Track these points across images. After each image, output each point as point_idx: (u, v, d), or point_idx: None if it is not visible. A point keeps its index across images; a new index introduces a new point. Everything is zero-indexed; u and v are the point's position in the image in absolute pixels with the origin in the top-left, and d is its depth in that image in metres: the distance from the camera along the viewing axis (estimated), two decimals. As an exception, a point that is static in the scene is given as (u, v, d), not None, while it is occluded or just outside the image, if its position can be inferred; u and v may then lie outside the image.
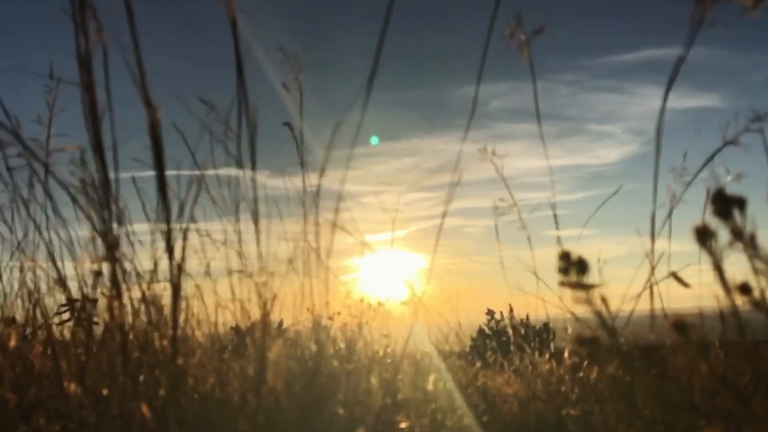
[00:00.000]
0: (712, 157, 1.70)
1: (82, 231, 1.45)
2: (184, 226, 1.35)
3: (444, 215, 1.80)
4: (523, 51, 1.59)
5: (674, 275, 1.08)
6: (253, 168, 1.42)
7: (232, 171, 1.53)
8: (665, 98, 1.53)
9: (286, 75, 1.67)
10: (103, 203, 1.24)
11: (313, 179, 1.75)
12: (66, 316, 1.69)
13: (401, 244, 2.25)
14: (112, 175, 1.26)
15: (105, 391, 1.29)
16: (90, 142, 1.21)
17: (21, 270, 1.85)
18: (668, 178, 1.77)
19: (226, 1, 1.29)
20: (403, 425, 1.65)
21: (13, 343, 1.58)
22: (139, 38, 1.18)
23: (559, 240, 2.11)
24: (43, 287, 1.75)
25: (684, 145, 1.83)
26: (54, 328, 1.67)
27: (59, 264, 1.64)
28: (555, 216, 2.09)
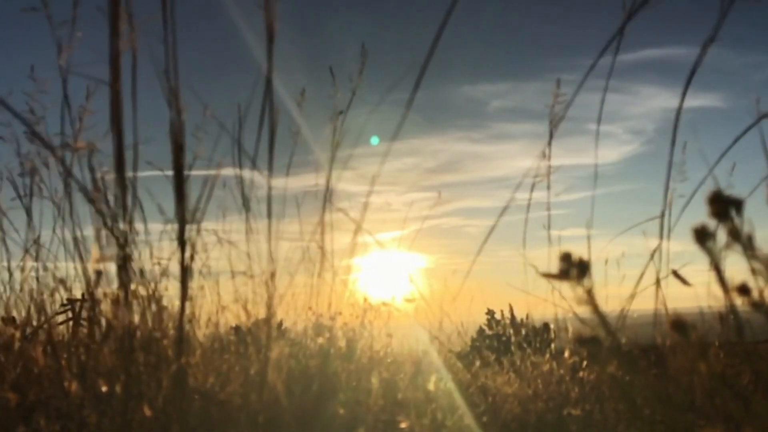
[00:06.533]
0: (743, 133, 1.63)
1: (90, 230, 1.44)
2: (195, 226, 1.35)
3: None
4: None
5: (675, 273, 1.08)
6: (270, 169, 1.41)
7: (238, 171, 1.53)
8: (683, 95, 1.53)
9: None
10: (117, 201, 1.24)
11: (314, 179, 1.76)
12: (66, 315, 1.69)
13: (401, 244, 2.25)
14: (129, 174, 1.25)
15: (105, 391, 1.29)
16: (113, 140, 1.20)
17: (22, 270, 1.85)
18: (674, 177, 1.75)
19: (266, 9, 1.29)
20: (403, 425, 1.65)
21: (14, 342, 1.58)
22: (176, 48, 1.19)
23: (559, 239, 2.12)
24: (45, 287, 1.76)
25: (684, 145, 1.82)
26: (54, 327, 1.68)
27: (64, 264, 1.64)
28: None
